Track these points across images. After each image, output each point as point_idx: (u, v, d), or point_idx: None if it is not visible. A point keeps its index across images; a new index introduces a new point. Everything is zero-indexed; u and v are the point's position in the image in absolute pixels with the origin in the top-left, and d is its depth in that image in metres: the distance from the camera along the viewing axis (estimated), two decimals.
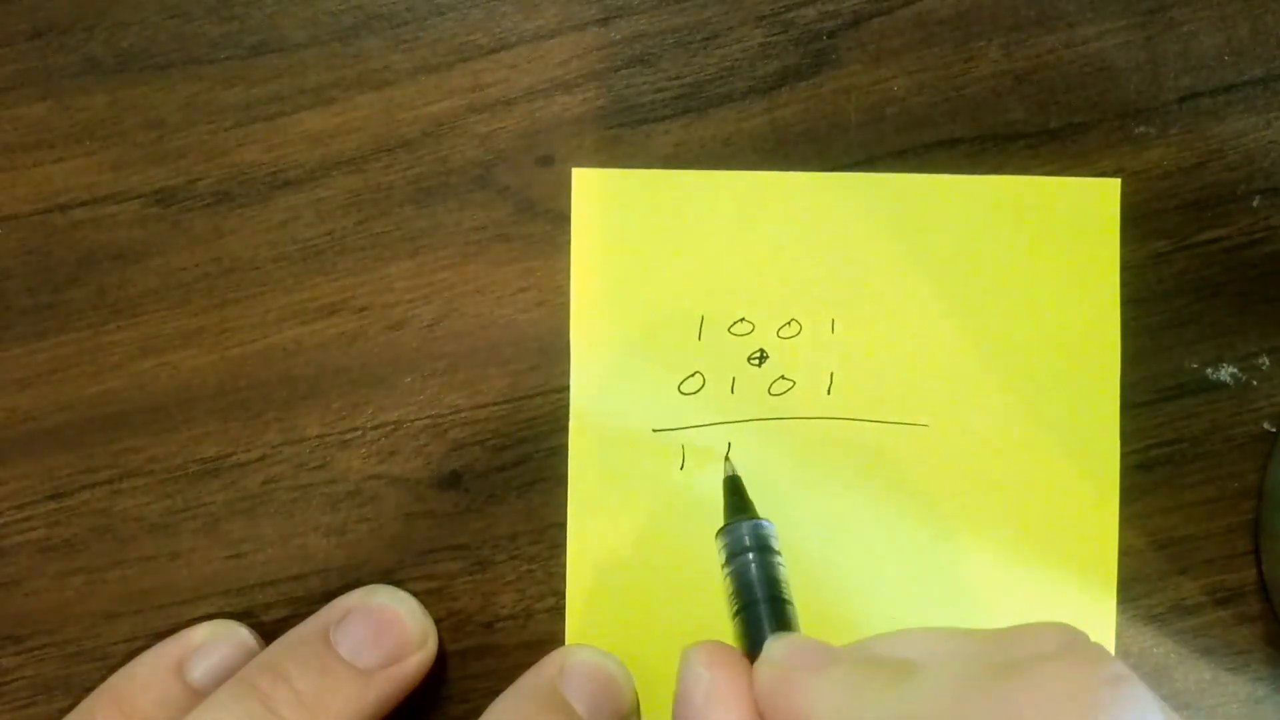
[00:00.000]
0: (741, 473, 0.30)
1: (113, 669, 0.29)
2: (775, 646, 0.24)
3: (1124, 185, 0.31)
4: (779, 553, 0.26)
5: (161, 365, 0.30)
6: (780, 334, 0.31)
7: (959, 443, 0.30)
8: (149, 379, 0.30)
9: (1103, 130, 0.31)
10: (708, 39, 0.31)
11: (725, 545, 0.27)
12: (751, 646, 0.25)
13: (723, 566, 0.26)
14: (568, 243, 0.31)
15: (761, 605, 0.25)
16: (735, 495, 0.28)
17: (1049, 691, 0.18)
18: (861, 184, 0.31)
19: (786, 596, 0.25)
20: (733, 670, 0.23)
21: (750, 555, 0.26)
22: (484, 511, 0.30)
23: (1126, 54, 0.31)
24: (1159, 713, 0.19)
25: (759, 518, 0.27)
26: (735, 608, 0.26)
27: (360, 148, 0.31)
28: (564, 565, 0.30)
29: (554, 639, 0.30)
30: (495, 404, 0.31)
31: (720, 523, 0.27)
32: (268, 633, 0.30)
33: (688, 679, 0.23)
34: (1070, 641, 0.21)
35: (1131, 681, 0.19)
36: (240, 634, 0.29)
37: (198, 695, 0.28)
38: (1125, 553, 0.30)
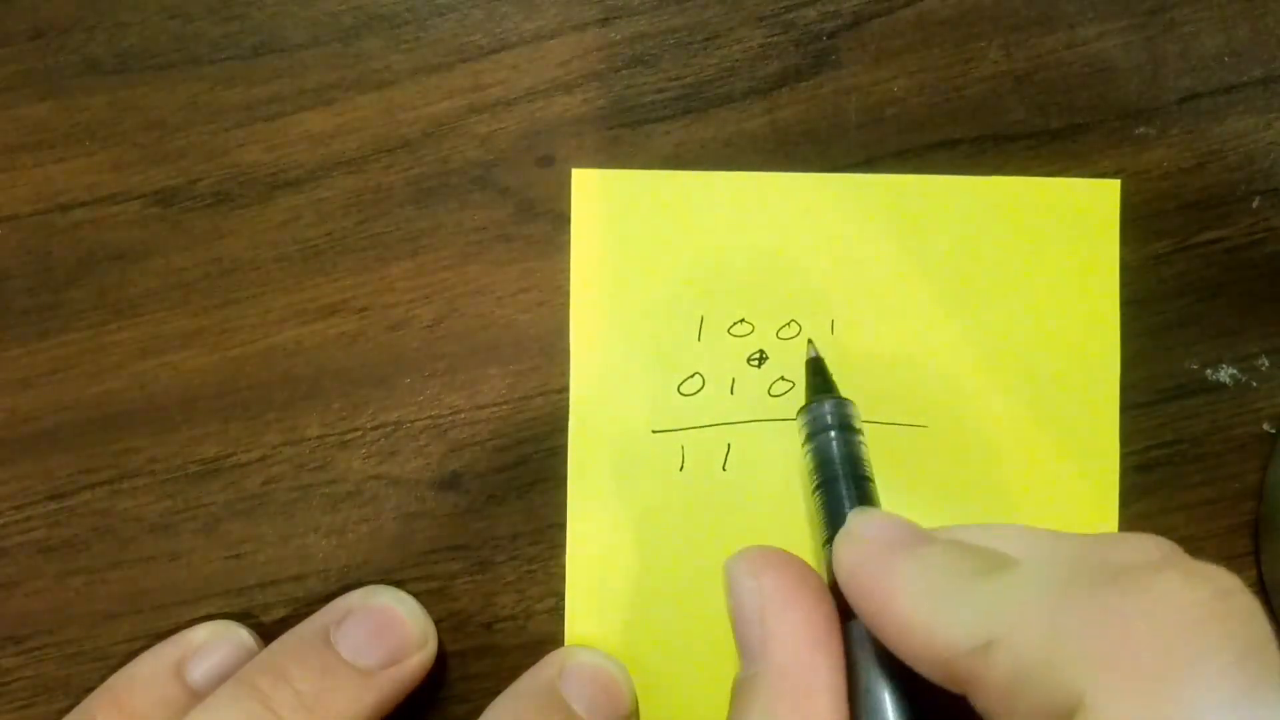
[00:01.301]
0: (741, 473, 0.30)
1: (113, 669, 0.29)
2: (859, 520, 0.22)
3: (1124, 186, 0.31)
4: (862, 432, 0.25)
5: (162, 365, 0.31)
6: (780, 335, 0.31)
7: (959, 443, 0.30)
8: (149, 379, 0.31)
9: (1103, 131, 0.31)
10: (708, 39, 0.31)
11: (807, 423, 0.25)
12: (831, 523, 0.23)
13: (803, 444, 0.25)
14: (568, 243, 0.31)
15: (843, 482, 0.24)
16: (818, 375, 0.27)
17: (1159, 598, 0.17)
18: (861, 184, 0.31)
19: (869, 475, 0.24)
20: (786, 570, 0.22)
21: (832, 433, 0.25)
22: (484, 512, 0.31)
23: (1127, 55, 0.31)
24: (1268, 625, 0.17)
25: (840, 396, 0.26)
26: (815, 483, 0.24)
27: (360, 148, 0.31)
28: (564, 565, 0.30)
29: (554, 639, 0.30)
30: (495, 404, 0.31)
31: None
32: (268, 633, 0.30)
33: (738, 593, 0.22)
34: (1170, 553, 0.19)
35: (1242, 593, 0.17)
36: (240, 635, 0.29)
37: (197, 696, 0.28)
38: None
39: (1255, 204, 0.31)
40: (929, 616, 0.19)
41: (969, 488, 0.30)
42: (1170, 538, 0.30)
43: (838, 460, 0.25)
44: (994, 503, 0.30)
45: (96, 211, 0.31)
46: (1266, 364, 0.31)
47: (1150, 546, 0.19)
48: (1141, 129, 0.31)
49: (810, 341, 0.29)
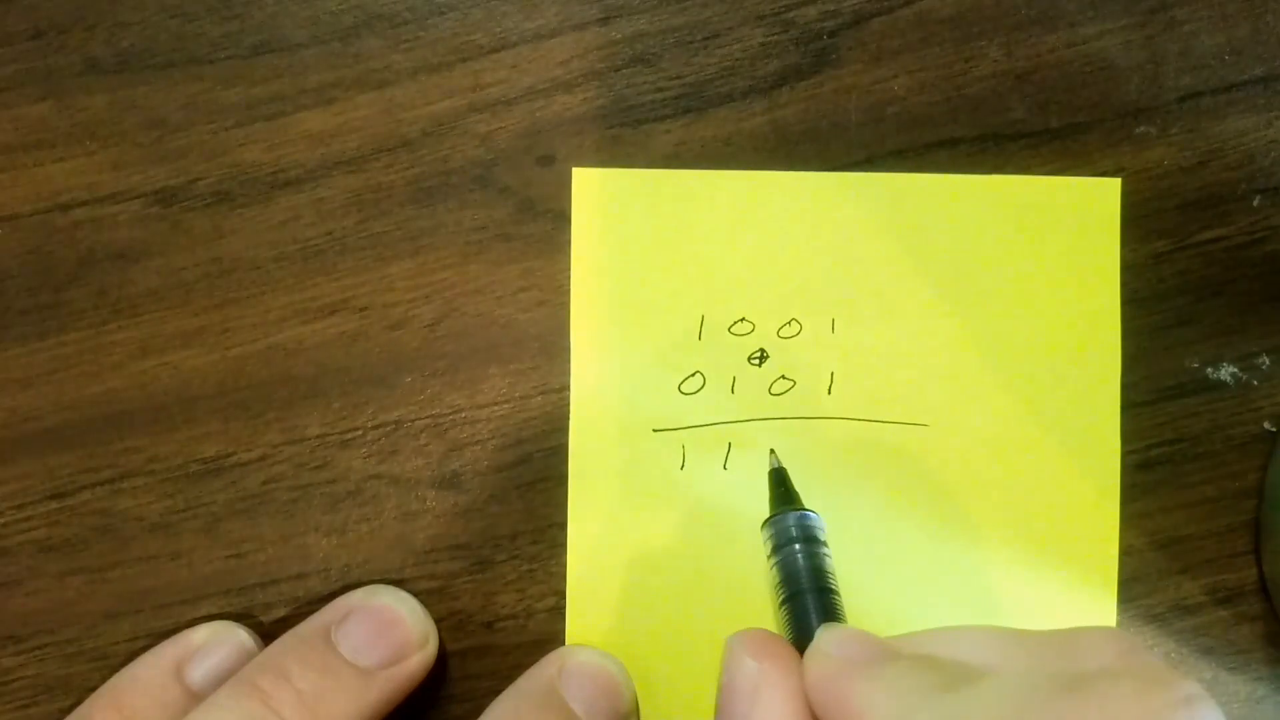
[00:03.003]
0: (740, 473, 0.30)
1: (113, 669, 0.29)
2: (827, 637, 0.23)
3: (1124, 185, 0.31)
4: (825, 544, 0.26)
5: (162, 365, 0.31)
6: (780, 334, 0.31)
7: (959, 442, 0.30)
8: (150, 379, 0.31)
9: (1103, 130, 0.31)
10: (708, 39, 0.31)
11: (771, 536, 0.26)
12: (798, 637, 0.24)
13: (769, 557, 0.26)
14: (568, 242, 0.31)
15: (809, 595, 0.25)
16: (781, 486, 0.28)
17: (1119, 712, 0.18)
18: (861, 184, 0.31)
19: (834, 588, 0.25)
20: (782, 661, 0.22)
21: (797, 546, 0.26)
22: (484, 511, 0.31)
23: (1127, 53, 0.31)
24: None
25: (805, 509, 0.26)
26: (781, 597, 0.25)
27: (360, 148, 0.31)
28: (564, 565, 0.30)
29: (554, 639, 0.30)
30: (495, 403, 0.31)
31: (764, 516, 0.27)
32: (268, 633, 0.30)
33: (734, 669, 0.23)
34: (1130, 651, 0.20)
35: (1203, 702, 0.18)
36: (239, 635, 0.29)
37: (197, 697, 0.28)
38: (1126, 552, 0.30)
39: (1256, 202, 0.31)
40: None
41: (969, 487, 0.30)
42: (1171, 537, 0.31)
43: (803, 574, 0.25)
44: (994, 502, 0.30)
45: (96, 211, 0.31)
46: (1267, 363, 0.31)
47: (1108, 645, 0.20)
48: (1142, 128, 0.31)
49: (772, 451, 0.30)
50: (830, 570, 0.26)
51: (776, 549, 0.26)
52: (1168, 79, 0.31)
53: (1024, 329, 0.31)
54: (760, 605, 0.30)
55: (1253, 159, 0.31)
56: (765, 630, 0.23)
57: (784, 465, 0.28)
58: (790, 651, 0.23)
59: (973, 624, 0.22)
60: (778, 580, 0.26)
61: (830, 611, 0.25)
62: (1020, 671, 0.20)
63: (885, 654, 0.22)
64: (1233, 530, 0.31)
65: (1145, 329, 0.31)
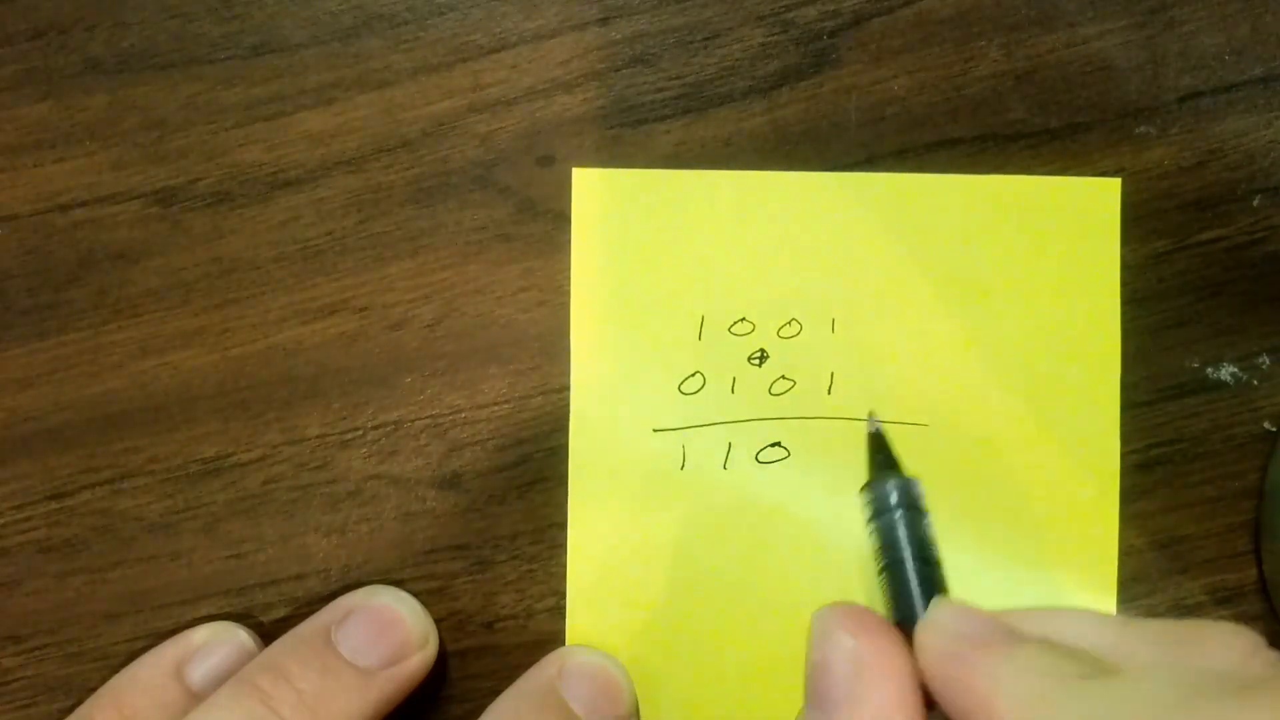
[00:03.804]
0: (742, 471, 0.30)
1: (113, 669, 0.29)
2: (944, 612, 0.21)
3: (1124, 185, 0.31)
4: (928, 513, 0.25)
5: (162, 365, 0.30)
6: (780, 334, 0.31)
7: (959, 442, 0.30)
8: (149, 379, 0.30)
9: (1103, 130, 0.31)
10: (708, 39, 0.31)
11: (871, 502, 0.25)
12: (899, 608, 0.23)
13: (867, 523, 0.25)
14: (568, 243, 0.31)
15: (909, 565, 0.23)
16: (880, 451, 0.26)
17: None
18: (861, 184, 0.31)
19: (937, 559, 0.24)
20: (885, 639, 0.21)
21: (898, 513, 0.24)
22: (484, 511, 0.30)
23: (1127, 54, 0.31)
24: None
25: (906, 475, 0.26)
26: (879, 566, 0.24)
27: (360, 148, 0.31)
28: (564, 565, 0.30)
29: (554, 639, 0.30)
30: (495, 404, 0.31)
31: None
32: (268, 633, 0.30)
33: (829, 648, 0.21)
34: (1258, 649, 0.19)
35: None
36: (240, 636, 0.29)
37: (197, 697, 0.28)
38: (1126, 552, 0.30)
39: (1256, 202, 0.31)
40: None
41: (970, 486, 0.30)
42: (1171, 537, 0.31)
43: (903, 542, 0.24)
44: (994, 502, 0.30)
45: (96, 211, 0.31)
46: (1267, 362, 0.31)
47: (1242, 640, 0.19)
48: (1142, 128, 0.31)
49: (871, 413, 0.28)
50: (933, 540, 0.24)
51: (876, 515, 0.25)
52: (1168, 79, 0.31)
53: (1024, 329, 0.31)
54: (761, 605, 0.30)
55: (1253, 159, 0.31)
56: (860, 605, 0.22)
57: (883, 429, 0.27)
58: (890, 628, 0.22)
59: (1080, 608, 0.21)
60: (876, 548, 0.24)
61: (933, 584, 0.23)
62: (1159, 666, 0.19)
63: (1011, 635, 0.20)
64: (1233, 530, 0.31)
65: (1145, 329, 0.31)
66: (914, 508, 0.25)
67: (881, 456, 0.26)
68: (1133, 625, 0.20)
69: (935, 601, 0.22)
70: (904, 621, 0.22)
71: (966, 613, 0.21)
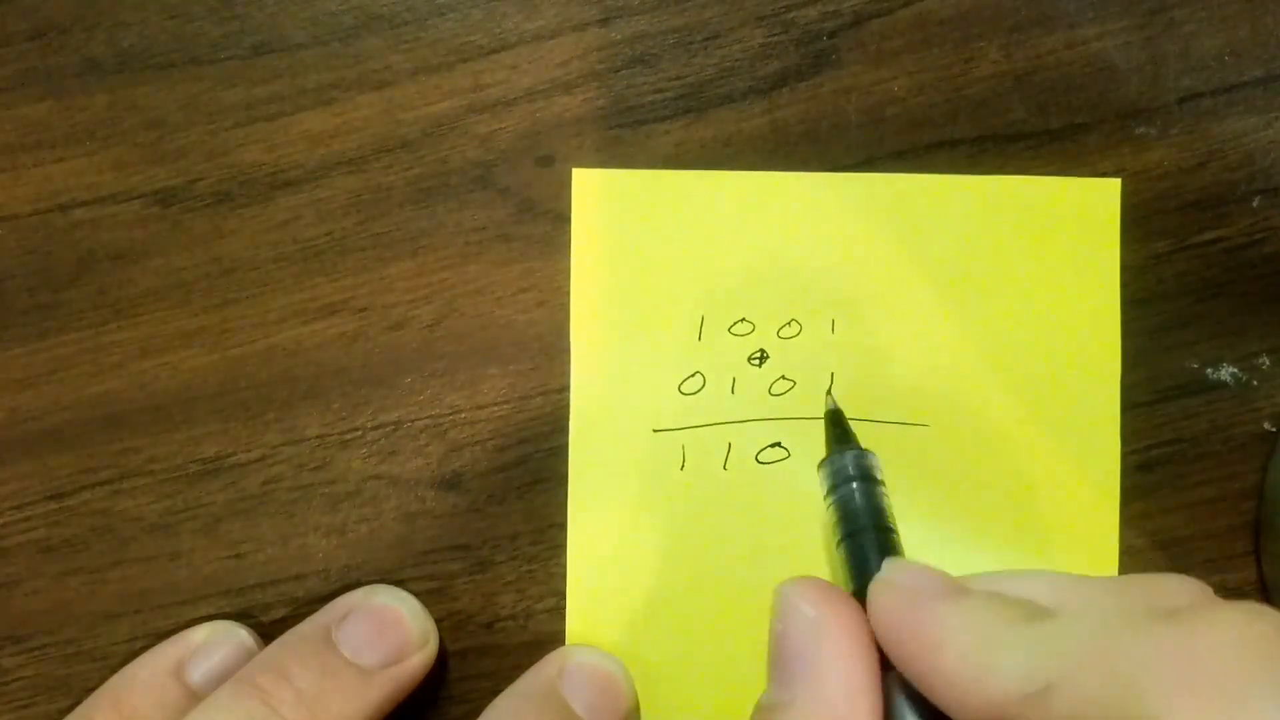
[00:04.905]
0: (742, 472, 0.30)
1: (113, 669, 0.29)
2: (895, 569, 0.22)
3: (1124, 185, 0.31)
4: (883, 483, 0.25)
5: (162, 365, 0.30)
6: (780, 334, 0.31)
7: (959, 443, 0.30)
8: (149, 379, 0.30)
9: (1103, 131, 0.31)
10: (708, 39, 0.31)
11: (828, 475, 0.26)
12: (858, 575, 0.23)
13: (825, 497, 0.25)
14: (568, 243, 0.31)
15: (868, 533, 0.24)
16: (837, 427, 0.27)
17: (1224, 632, 0.17)
18: (861, 184, 0.31)
19: (893, 526, 0.24)
20: (844, 608, 0.21)
21: (854, 485, 0.25)
22: (484, 511, 0.30)
23: (1127, 54, 0.31)
24: None
25: (861, 449, 0.26)
26: (838, 536, 0.24)
27: (360, 148, 0.31)
28: (564, 565, 0.30)
29: (554, 639, 0.30)
30: (495, 404, 0.31)
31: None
32: (268, 633, 0.30)
33: (790, 618, 0.21)
34: (1205, 591, 0.19)
35: None
36: (240, 635, 0.29)
37: (197, 697, 0.28)
38: (1126, 553, 0.30)
39: (1256, 203, 0.31)
40: (976, 664, 0.19)
41: (970, 487, 0.30)
42: (1170, 537, 0.31)
43: (861, 512, 0.25)
44: (994, 503, 0.30)
45: (96, 211, 0.31)
46: (1267, 363, 0.31)
47: (1188, 586, 0.20)
48: (1142, 129, 0.31)
49: (829, 393, 0.29)
50: (889, 509, 0.25)
51: (833, 489, 0.25)
52: (1167, 80, 0.31)
53: (1024, 329, 0.31)
54: (761, 605, 0.30)
55: (1253, 159, 0.31)
56: (819, 578, 0.22)
57: (840, 407, 0.28)
58: (849, 599, 0.22)
59: (1034, 569, 0.22)
60: (836, 519, 0.25)
61: (890, 549, 0.24)
62: (1104, 607, 0.19)
63: (959, 588, 0.21)
64: (1233, 531, 0.31)
65: (1145, 329, 0.31)
66: (869, 479, 0.25)
67: (838, 432, 0.27)
68: (1080, 579, 0.21)
69: (888, 562, 0.23)
70: (864, 589, 0.22)
71: (917, 569, 0.22)
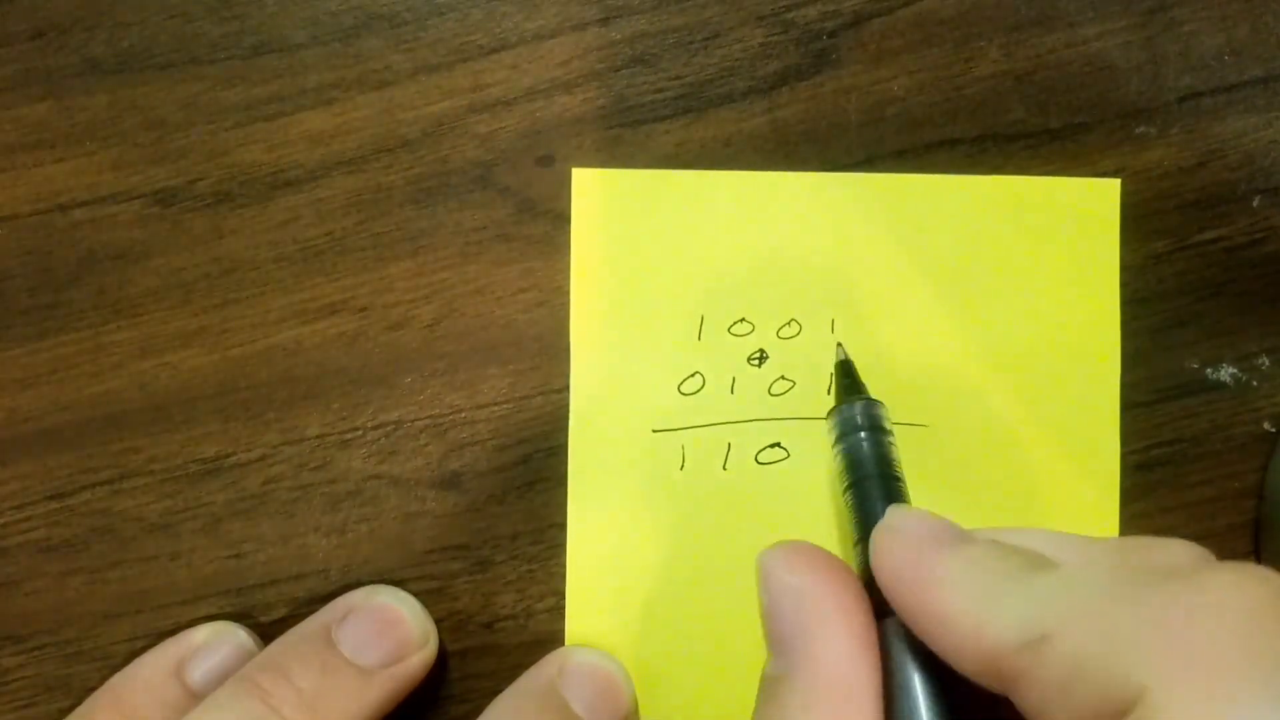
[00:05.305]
0: (741, 472, 0.30)
1: (113, 669, 0.29)
2: (898, 514, 0.22)
3: (1124, 185, 0.31)
4: (891, 433, 0.25)
5: (162, 365, 0.31)
6: (780, 334, 0.31)
7: (959, 443, 0.30)
8: (149, 379, 0.31)
9: (1103, 130, 0.31)
10: (708, 39, 0.31)
11: (837, 424, 0.25)
12: (864, 522, 0.23)
13: (833, 445, 0.25)
14: (568, 243, 0.31)
15: (874, 481, 0.24)
16: (848, 377, 0.27)
17: (1220, 595, 0.17)
18: (861, 184, 0.31)
19: (899, 475, 0.24)
20: (826, 568, 0.21)
21: (862, 434, 0.25)
22: (484, 511, 0.30)
23: (1127, 54, 0.31)
24: None
25: (870, 398, 0.26)
26: (846, 484, 0.24)
27: (360, 148, 0.31)
28: (564, 565, 0.30)
29: (554, 639, 0.30)
30: (495, 404, 0.31)
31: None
32: (268, 633, 0.30)
33: (776, 590, 0.21)
34: (1206, 556, 0.19)
35: None
36: (240, 636, 0.29)
37: (197, 697, 0.28)
38: None
39: (1255, 203, 0.31)
40: (977, 611, 0.19)
41: (969, 487, 0.30)
42: (1170, 537, 0.31)
43: (869, 460, 0.25)
44: (994, 502, 0.30)
45: (96, 211, 0.31)
46: (1267, 363, 0.31)
47: (1189, 549, 0.19)
48: (1142, 128, 0.31)
49: (840, 345, 0.29)
50: (896, 459, 0.24)
51: (842, 436, 0.25)
52: (1168, 79, 0.31)
53: (1024, 329, 0.31)
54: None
55: (1253, 159, 0.31)
56: (802, 541, 0.22)
57: (850, 358, 0.27)
58: (830, 557, 0.21)
59: (1023, 524, 0.21)
60: (843, 467, 0.25)
61: (896, 496, 0.24)
62: (1106, 561, 0.19)
63: (962, 535, 0.21)
64: (1233, 530, 0.31)
65: (1145, 329, 0.31)
66: (877, 428, 0.25)
67: (848, 382, 0.27)
68: (1088, 538, 0.20)
69: (892, 508, 0.22)
70: (869, 536, 0.22)
71: (921, 516, 0.22)
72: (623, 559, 0.30)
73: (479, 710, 0.27)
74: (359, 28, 0.31)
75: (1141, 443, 0.31)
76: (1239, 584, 0.17)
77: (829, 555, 0.22)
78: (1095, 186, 0.31)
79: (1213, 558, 0.19)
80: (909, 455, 0.30)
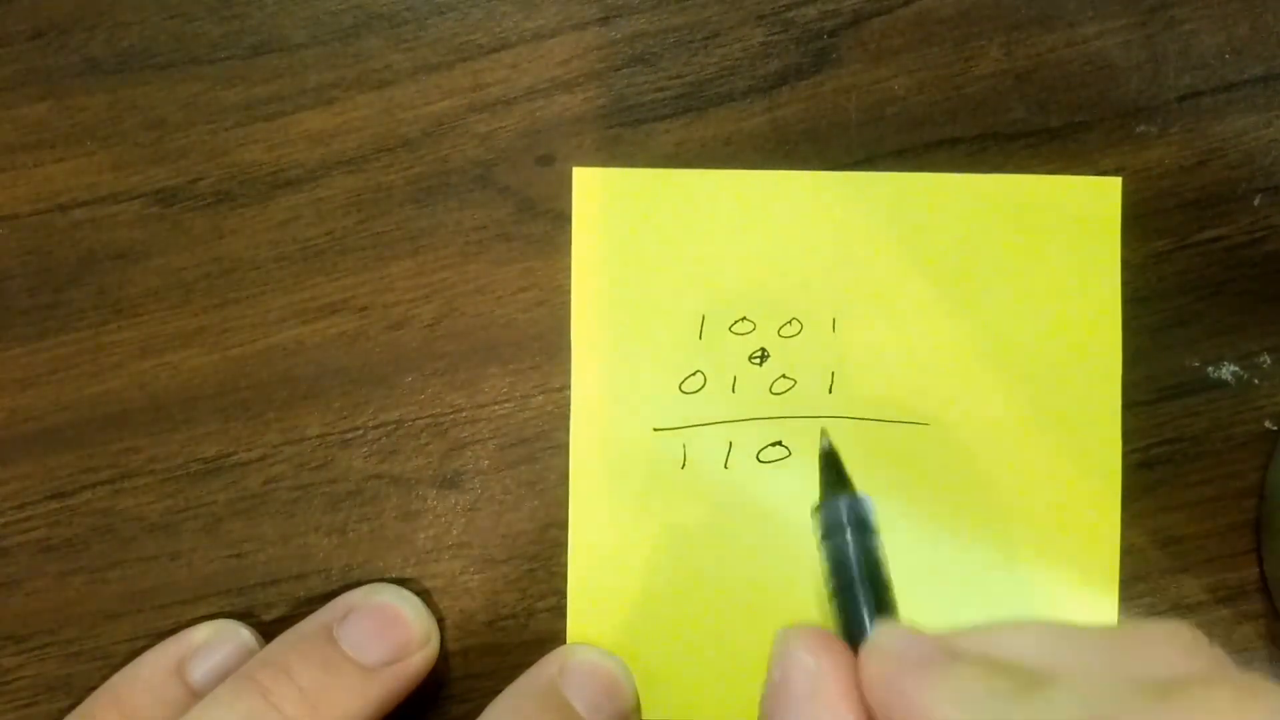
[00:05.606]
0: (743, 471, 0.30)
1: (114, 669, 0.29)
2: (886, 635, 0.22)
3: (1125, 184, 0.31)
4: (878, 533, 0.25)
5: (162, 365, 0.30)
6: (781, 333, 0.31)
7: (960, 442, 0.30)
8: (149, 379, 0.30)
9: (1103, 129, 0.31)
10: (708, 38, 0.31)
11: (821, 523, 0.25)
12: (849, 631, 0.23)
13: (818, 544, 0.25)
14: (568, 242, 0.31)
15: (859, 586, 0.24)
16: (832, 470, 0.27)
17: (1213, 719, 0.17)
18: (862, 183, 0.31)
19: (886, 579, 0.24)
20: (840, 658, 0.21)
21: (848, 534, 0.25)
22: (484, 511, 0.30)
23: (1127, 53, 0.31)
24: None
25: (856, 494, 0.26)
26: (831, 588, 0.24)
27: (360, 147, 0.31)
28: (564, 565, 0.30)
29: (555, 638, 0.30)
30: (496, 403, 0.31)
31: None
32: (269, 632, 0.29)
33: (790, 665, 0.22)
34: (1195, 646, 0.20)
35: None
36: (241, 634, 0.29)
37: (198, 696, 0.28)
38: (1127, 551, 0.30)
39: (1256, 202, 0.31)
40: None
41: (970, 486, 0.30)
42: (1171, 536, 0.31)
43: (853, 563, 0.24)
44: (995, 501, 0.30)
45: (96, 211, 0.31)
46: (1268, 361, 0.31)
47: (1186, 648, 0.19)
48: (1142, 127, 0.31)
49: (824, 430, 0.28)
50: (883, 560, 0.25)
51: (826, 536, 0.25)
52: (1168, 79, 0.31)
53: (1024, 329, 0.31)
54: (761, 604, 0.30)
55: (1253, 159, 0.31)
56: (819, 627, 0.22)
57: (835, 448, 0.27)
58: (845, 650, 0.22)
59: (1027, 619, 0.21)
60: (828, 569, 0.25)
61: (883, 605, 0.23)
62: (1093, 674, 0.19)
63: (947, 655, 0.21)
64: (1234, 529, 0.31)
65: (1145, 328, 0.31)
66: (864, 527, 0.25)
67: (832, 474, 0.26)
68: (1074, 634, 0.20)
69: (878, 625, 0.23)
70: (854, 644, 0.22)
71: (907, 635, 0.22)
72: (624, 558, 0.30)
73: (480, 709, 0.27)
74: (359, 27, 0.31)
75: (1142, 441, 0.31)
76: (1235, 704, 0.17)
77: (844, 647, 0.22)
78: (1096, 185, 0.31)
79: (1205, 642, 0.20)
80: (909, 455, 0.30)
